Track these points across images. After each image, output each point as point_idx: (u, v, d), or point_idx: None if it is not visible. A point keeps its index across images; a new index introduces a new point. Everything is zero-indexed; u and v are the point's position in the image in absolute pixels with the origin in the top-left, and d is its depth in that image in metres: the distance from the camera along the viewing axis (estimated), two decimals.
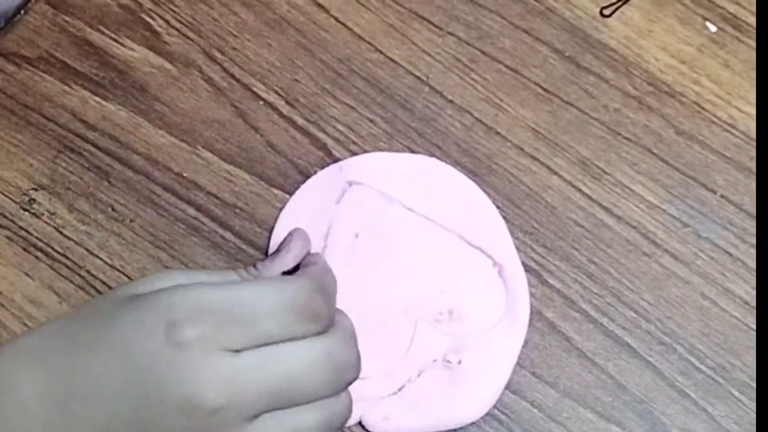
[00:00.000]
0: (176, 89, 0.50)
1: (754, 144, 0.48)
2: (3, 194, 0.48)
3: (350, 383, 0.39)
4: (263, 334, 0.36)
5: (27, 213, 0.47)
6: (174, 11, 0.51)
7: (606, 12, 0.51)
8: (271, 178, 0.48)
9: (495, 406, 0.45)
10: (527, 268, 0.47)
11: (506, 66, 0.50)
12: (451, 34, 0.51)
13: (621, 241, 0.47)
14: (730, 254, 0.47)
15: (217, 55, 0.50)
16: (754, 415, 0.45)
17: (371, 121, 0.49)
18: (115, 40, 0.50)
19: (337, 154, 0.49)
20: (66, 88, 0.49)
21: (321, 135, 0.49)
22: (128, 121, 0.49)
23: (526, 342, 0.46)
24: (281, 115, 0.49)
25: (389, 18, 0.51)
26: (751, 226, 0.47)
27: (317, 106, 0.49)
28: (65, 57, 0.50)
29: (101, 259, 0.47)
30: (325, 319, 0.38)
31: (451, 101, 0.49)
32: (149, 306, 0.36)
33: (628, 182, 0.48)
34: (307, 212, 0.47)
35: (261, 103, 0.49)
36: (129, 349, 0.35)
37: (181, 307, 0.36)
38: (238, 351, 0.36)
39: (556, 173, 0.48)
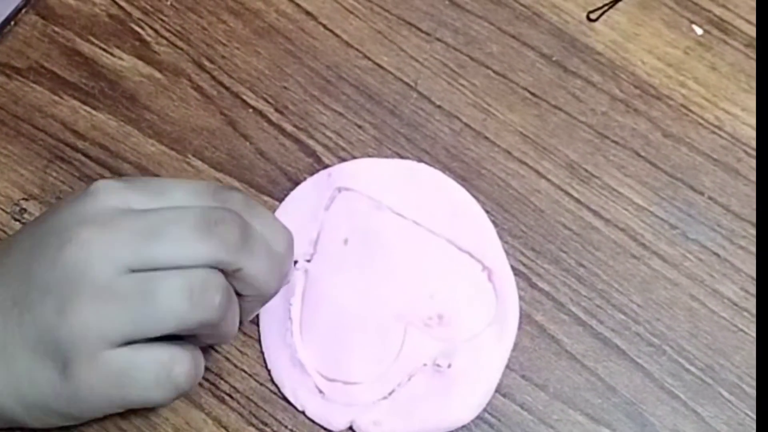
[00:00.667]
0: (166, 98, 0.50)
1: (741, 145, 0.49)
2: None
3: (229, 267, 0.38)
4: (167, 200, 0.38)
5: (18, 223, 0.48)
6: (163, 21, 0.51)
7: (593, 16, 0.51)
8: (260, 186, 0.48)
9: (485, 410, 0.45)
10: (516, 272, 0.47)
11: (494, 71, 0.50)
12: (439, 39, 0.51)
13: (609, 243, 0.47)
14: (718, 255, 0.47)
15: (207, 63, 0.50)
16: (744, 416, 0.45)
17: (360, 127, 0.49)
18: (104, 50, 0.50)
19: (327, 161, 0.49)
20: (56, 98, 0.50)
21: (310, 142, 0.49)
22: (118, 130, 0.49)
23: (515, 345, 0.46)
24: (270, 122, 0.49)
25: (377, 25, 0.51)
26: (739, 227, 0.48)
27: (306, 113, 0.50)
28: (55, 67, 0.50)
29: None
30: (235, 205, 0.39)
31: (439, 107, 0.50)
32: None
33: (616, 185, 0.48)
34: (297, 219, 0.47)
35: (250, 110, 0.50)
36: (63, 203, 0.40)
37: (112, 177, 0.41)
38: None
39: (544, 177, 0.49)
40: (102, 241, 0.36)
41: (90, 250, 0.36)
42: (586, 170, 0.49)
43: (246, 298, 0.39)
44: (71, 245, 0.36)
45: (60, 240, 0.37)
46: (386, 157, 0.49)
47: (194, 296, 0.36)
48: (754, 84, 0.50)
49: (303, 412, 0.45)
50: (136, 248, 0.36)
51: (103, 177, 0.48)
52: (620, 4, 0.51)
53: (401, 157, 0.49)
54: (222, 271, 0.37)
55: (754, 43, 0.50)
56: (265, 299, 0.40)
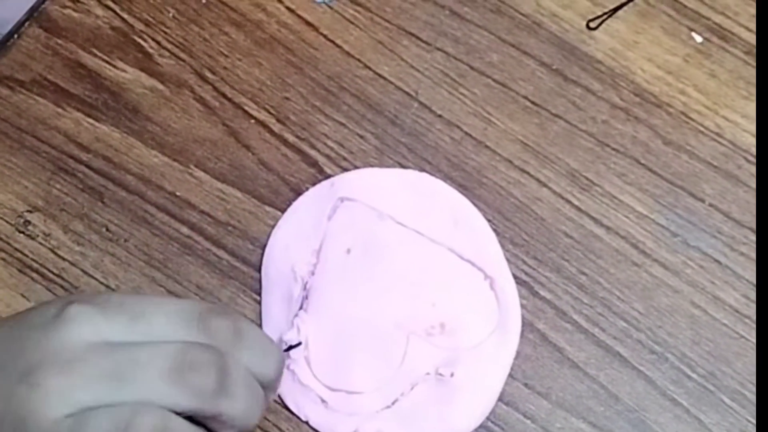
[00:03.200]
0: (168, 109, 0.50)
1: (741, 152, 0.49)
2: None
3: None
4: (145, 330, 0.35)
5: (22, 235, 0.48)
6: (165, 33, 0.51)
7: (592, 25, 0.51)
8: (263, 196, 0.49)
9: (488, 418, 0.45)
10: (518, 280, 0.47)
11: (494, 80, 0.51)
12: (439, 49, 0.51)
13: (611, 251, 0.48)
14: (719, 262, 0.47)
15: (209, 75, 0.51)
16: (746, 423, 0.45)
17: (361, 137, 0.50)
18: (107, 62, 0.51)
19: (329, 171, 0.49)
20: (59, 110, 0.50)
21: (312, 152, 0.49)
22: (121, 141, 0.50)
23: (518, 353, 0.46)
24: (272, 133, 0.50)
25: (378, 35, 0.51)
26: (740, 234, 0.48)
27: (308, 124, 0.50)
28: (58, 80, 0.50)
29: (96, 279, 0.47)
30: (220, 335, 0.36)
31: (440, 116, 0.50)
32: (58, 297, 0.37)
33: (617, 193, 0.49)
34: (299, 229, 0.48)
35: (252, 121, 0.50)
36: (25, 323, 0.36)
37: (83, 295, 0.36)
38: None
39: (545, 185, 0.49)
40: (59, 385, 0.34)
41: (46, 395, 0.34)
42: (587, 178, 0.49)
43: None
44: (27, 388, 0.34)
45: (18, 380, 0.34)
46: (388, 166, 0.49)
47: None
48: (753, 91, 0.50)
49: (306, 422, 0.45)
50: (97, 392, 0.34)
51: (107, 190, 0.48)
52: (620, 12, 0.51)
53: (403, 166, 0.49)
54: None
55: (754, 50, 0.50)
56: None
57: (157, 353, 0.35)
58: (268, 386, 0.38)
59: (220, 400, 0.35)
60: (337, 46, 0.51)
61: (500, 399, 0.45)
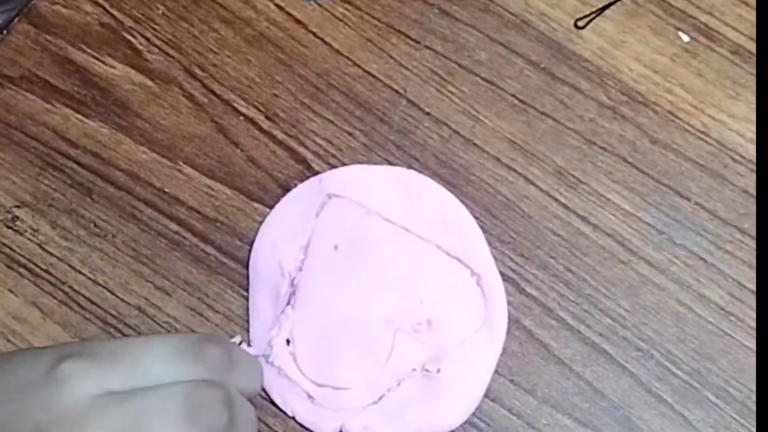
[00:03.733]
0: (157, 106, 0.50)
1: (727, 151, 0.49)
2: None
3: None
4: (144, 374, 0.36)
5: (10, 230, 0.48)
6: (155, 29, 0.52)
7: (580, 24, 0.51)
8: (251, 192, 0.49)
9: (474, 414, 0.45)
10: (505, 277, 0.47)
11: (482, 78, 0.51)
12: (428, 47, 0.51)
13: (597, 249, 0.48)
14: (705, 260, 0.48)
15: (198, 71, 0.51)
16: (730, 419, 0.45)
17: (350, 134, 0.50)
18: (96, 59, 0.51)
19: (317, 168, 0.49)
20: (48, 106, 0.50)
21: (300, 149, 0.50)
22: (110, 137, 0.50)
23: (504, 350, 0.46)
24: (261, 129, 0.50)
25: (367, 32, 0.51)
26: (725, 232, 0.48)
27: (297, 121, 0.50)
28: (47, 75, 0.50)
29: (84, 275, 0.47)
30: (215, 365, 0.37)
31: (428, 113, 0.50)
32: (41, 351, 0.36)
33: (604, 191, 0.49)
34: (287, 225, 0.48)
35: (241, 118, 0.50)
36: (14, 382, 0.36)
37: (70, 347, 0.36)
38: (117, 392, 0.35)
39: (532, 183, 0.49)
40: None
41: None
42: (574, 176, 0.49)
43: None
44: None
45: None
46: (376, 163, 0.49)
47: None
48: (740, 90, 0.50)
49: (293, 418, 0.45)
50: None
51: (95, 185, 0.49)
52: (607, 11, 0.52)
53: (391, 163, 0.49)
54: None
55: (740, 50, 0.50)
56: None
57: (167, 398, 0.35)
58: (252, 399, 0.40)
59: (231, 430, 0.36)
60: (326, 43, 0.51)
61: (486, 395, 0.45)
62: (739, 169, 0.49)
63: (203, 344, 0.37)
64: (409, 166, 0.49)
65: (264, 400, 0.45)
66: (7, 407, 0.35)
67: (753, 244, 0.48)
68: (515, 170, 0.49)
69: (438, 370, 0.45)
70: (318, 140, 0.50)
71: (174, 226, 0.48)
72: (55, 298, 0.47)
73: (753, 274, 0.47)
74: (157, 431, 0.34)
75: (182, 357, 0.36)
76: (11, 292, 0.47)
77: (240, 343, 0.46)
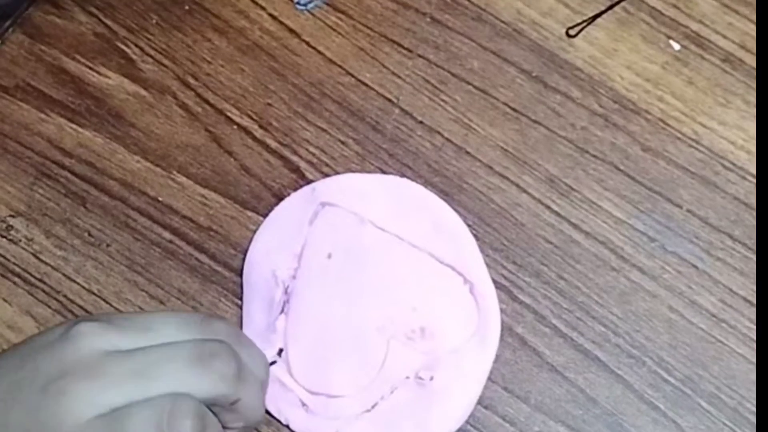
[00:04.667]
0: (151, 115, 0.50)
1: (718, 159, 0.49)
2: None
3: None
4: (156, 336, 0.37)
5: (4, 239, 0.48)
6: (149, 39, 0.52)
7: (572, 32, 0.52)
8: (245, 201, 0.49)
9: (467, 422, 0.45)
10: (498, 285, 0.47)
11: (475, 87, 0.51)
12: (420, 56, 0.52)
13: (589, 256, 0.48)
14: (697, 267, 0.48)
15: (191, 81, 0.51)
16: (722, 426, 0.45)
17: (343, 143, 0.50)
18: (90, 68, 0.51)
19: (310, 176, 0.49)
20: (42, 116, 0.50)
21: (294, 158, 0.50)
22: (104, 147, 0.50)
23: (497, 357, 0.46)
24: (255, 138, 0.50)
25: (360, 42, 0.52)
26: (717, 239, 0.48)
27: (290, 130, 0.50)
28: (42, 85, 0.51)
29: (78, 284, 0.48)
30: (223, 336, 0.38)
31: (421, 122, 0.50)
32: (62, 322, 0.38)
33: (596, 198, 0.49)
34: (281, 234, 0.48)
35: (235, 127, 0.50)
36: (32, 344, 0.37)
37: (87, 316, 0.37)
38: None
39: (525, 191, 0.49)
40: (87, 390, 0.35)
41: (73, 401, 0.35)
42: (566, 184, 0.49)
43: (232, 429, 0.39)
44: (53, 398, 0.35)
45: (42, 392, 0.35)
46: (369, 172, 0.49)
47: (163, 425, 0.35)
48: (730, 98, 0.50)
49: (287, 426, 0.45)
50: (129, 391, 0.35)
51: (89, 195, 0.49)
52: (599, 20, 0.52)
53: (384, 172, 0.49)
54: (214, 405, 0.37)
55: (730, 57, 0.51)
56: (251, 428, 0.40)
57: (178, 348, 0.36)
58: (264, 389, 0.41)
59: (240, 385, 0.37)
60: (320, 53, 0.52)
61: (479, 402, 0.46)
62: (730, 177, 0.49)
63: (211, 318, 0.39)
64: (402, 175, 0.49)
65: None
66: (24, 365, 0.36)
67: (744, 251, 0.48)
68: (508, 178, 0.49)
69: (431, 378, 0.45)
70: (311, 149, 0.50)
71: (168, 235, 0.48)
72: (49, 307, 0.47)
73: (744, 280, 0.47)
74: (170, 377, 0.35)
75: (192, 325, 0.38)
76: (5, 301, 0.47)
77: None
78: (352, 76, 0.51)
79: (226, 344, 0.38)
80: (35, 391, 0.35)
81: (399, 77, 0.51)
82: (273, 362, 0.45)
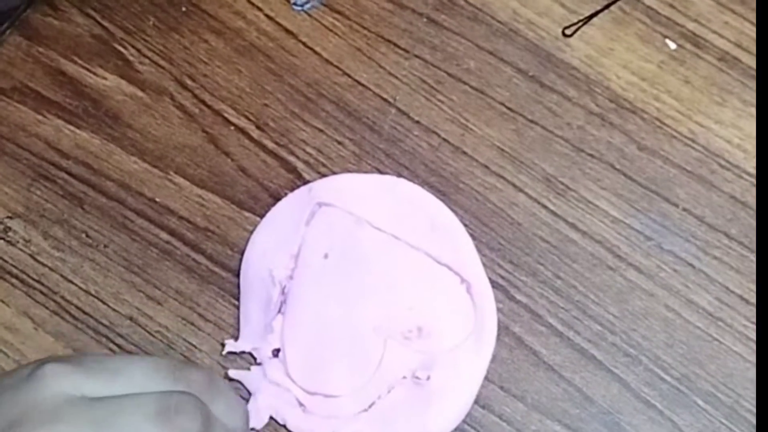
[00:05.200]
0: (148, 116, 0.51)
1: (715, 158, 0.50)
2: None
3: None
4: (123, 384, 0.35)
5: (2, 241, 0.48)
6: (146, 40, 0.52)
7: (568, 32, 0.52)
8: (242, 202, 0.49)
9: (464, 421, 0.45)
10: (494, 284, 0.47)
11: (471, 87, 0.51)
12: (417, 56, 0.52)
13: (586, 255, 0.48)
14: (693, 266, 0.48)
15: (188, 82, 0.51)
16: (719, 424, 0.45)
17: (340, 143, 0.50)
18: (88, 70, 0.51)
19: (307, 177, 0.50)
20: (40, 117, 0.50)
21: (291, 158, 0.50)
22: (101, 148, 0.50)
23: (494, 357, 0.46)
24: (252, 139, 0.50)
25: (356, 42, 0.52)
26: (713, 238, 0.48)
27: (287, 130, 0.50)
28: (39, 87, 0.51)
29: (76, 285, 0.48)
30: (195, 388, 0.37)
31: (417, 122, 0.50)
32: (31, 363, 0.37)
33: (592, 198, 0.49)
34: (278, 234, 0.48)
35: (232, 128, 0.50)
36: None
37: (56, 357, 0.36)
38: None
39: (521, 190, 0.49)
40: None
41: None
42: (563, 183, 0.49)
43: None
44: None
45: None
46: (366, 172, 0.50)
47: None
48: (726, 97, 0.50)
49: (284, 426, 0.45)
50: None
51: (87, 196, 0.49)
52: (595, 19, 0.52)
53: (380, 172, 0.50)
54: None
55: (727, 57, 0.51)
56: None
57: (142, 401, 0.35)
58: None
59: None
60: (316, 53, 0.52)
61: (476, 402, 0.46)
62: (726, 175, 0.49)
63: (186, 365, 0.38)
64: (399, 175, 0.49)
65: None
66: None
67: (741, 250, 0.48)
68: (504, 178, 0.49)
69: (428, 377, 0.45)
70: (308, 149, 0.50)
71: (165, 236, 0.49)
72: (47, 308, 0.47)
73: (741, 279, 0.47)
74: (127, 428, 0.34)
75: (164, 372, 0.37)
76: (3, 302, 0.47)
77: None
78: (349, 76, 0.51)
79: (194, 398, 0.36)
80: None
81: (396, 77, 0.51)
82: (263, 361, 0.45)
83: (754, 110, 0.50)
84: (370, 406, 0.45)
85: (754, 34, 0.51)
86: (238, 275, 0.48)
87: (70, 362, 0.36)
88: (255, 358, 0.46)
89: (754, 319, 0.47)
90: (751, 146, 0.49)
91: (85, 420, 0.34)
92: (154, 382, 0.36)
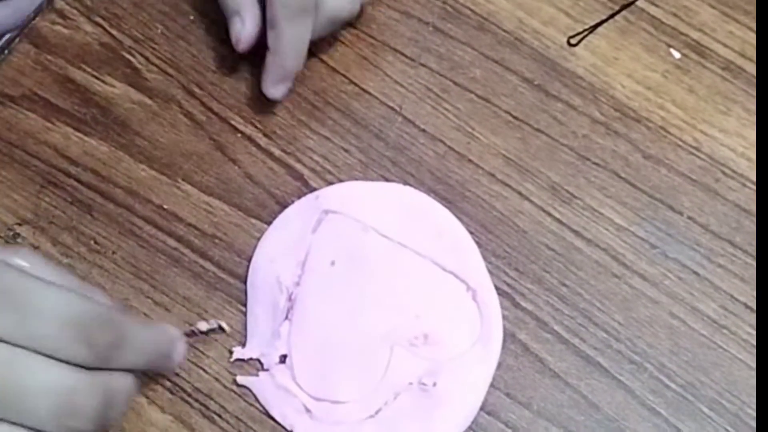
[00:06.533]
0: (156, 124, 0.51)
1: (719, 166, 0.50)
2: None
3: None
4: (25, 332, 0.34)
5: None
6: (154, 48, 0.52)
7: (573, 41, 0.52)
8: (249, 209, 0.49)
9: (470, 427, 0.46)
10: (500, 292, 0.48)
11: (477, 95, 0.51)
12: (423, 65, 0.52)
13: (591, 263, 0.48)
14: (698, 274, 0.48)
15: (196, 90, 0.52)
16: (723, 431, 0.46)
17: (346, 151, 0.50)
18: (96, 78, 0.52)
19: (314, 184, 0.50)
20: (49, 124, 0.51)
21: (298, 165, 0.50)
22: (110, 155, 0.50)
23: (499, 364, 0.47)
24: (259, 147, 0.51)
25: (363, 51, 0.52)
26: (718, 246, 0.49)
27: (294, 138, 0.51)
28: (48, 95, 0.51)
29: None
30: (101, 350, 0.35)
31: (423, 130, 0.51)
32: None
33: (597, 206, 0.49)
34: (285, 241, 0.48)
35: (239, 135, 0.51)
36: None
37: None
38: None
39: (527, 198, 0.50)
40: None
41: None
42: (568, 191, 0.50)
43: None
44: None
45: None
46: (372, 180, 0.50)
47: None
48: (730, 106, 0.51)
49: None
50: None
51: (95, 203, 0.49)
52: (600, 29, 0.52)
53: (387, 180, 0.50)
54: None
55: (731, 66, 0.51)
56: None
57: (45, 391, 0.34)
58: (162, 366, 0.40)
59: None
60: (323, 61, 0.52)
61: (482, 408, 0.46)
62: (730, 184, 0.50)
63: (96, 328, 0.35)
64: (405, 183, 0.50)
65: (262, 414, 0.46)
66: None
67: (745, 258, 0.48)
68: (510, 186, 0.50)
69: (434, 384, 0.45)
70: (315, 157, 0.50)
71: (173, 243, 0.49)
72: None
73: (745, 287, 0.48)
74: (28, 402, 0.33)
75: (71, 332, 0.34)
76: None
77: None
78: (355, 84, 0.52)
79: (97, 393, 0.35)
80: None
81: (402, 86, 0.52)
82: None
83: None
84: (376, 413, 0.45)
85: None
86: (245, 282, 0.48)
87: None
88: (262, 364, 0.46)
89: None
90: (755, 155, 0.50)
91: None
92: (59, 343, 0.34)
